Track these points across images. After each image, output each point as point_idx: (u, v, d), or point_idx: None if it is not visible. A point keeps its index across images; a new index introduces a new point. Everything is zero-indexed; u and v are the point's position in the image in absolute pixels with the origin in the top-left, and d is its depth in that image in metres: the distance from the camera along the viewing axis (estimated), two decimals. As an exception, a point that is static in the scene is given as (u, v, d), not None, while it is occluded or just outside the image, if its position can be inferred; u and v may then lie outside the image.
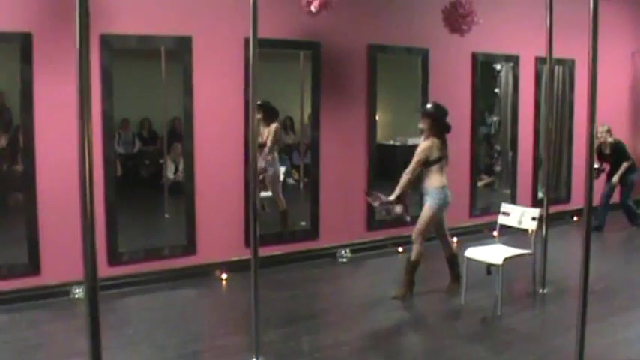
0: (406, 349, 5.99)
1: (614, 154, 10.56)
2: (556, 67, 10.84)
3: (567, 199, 11.67)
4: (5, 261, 6.97)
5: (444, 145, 7.20)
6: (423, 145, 7.16)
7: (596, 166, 10.69)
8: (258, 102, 7.05)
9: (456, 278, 7.39)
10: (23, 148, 7.00)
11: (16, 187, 7.70)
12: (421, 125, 7.26)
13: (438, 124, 7.20)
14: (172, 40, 7.66)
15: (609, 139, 10.53)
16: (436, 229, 7.43)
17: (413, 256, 7.16)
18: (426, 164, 7.11)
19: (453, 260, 7.43)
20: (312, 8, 7.00)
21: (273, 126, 8.87)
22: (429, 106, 7.45)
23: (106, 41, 7.14)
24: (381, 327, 6.44)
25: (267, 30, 6.51)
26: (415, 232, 7.24)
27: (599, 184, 10.56)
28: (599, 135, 10.44)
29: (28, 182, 6.96)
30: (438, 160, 7.13)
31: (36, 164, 6.93)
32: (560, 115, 11.45)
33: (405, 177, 7.17)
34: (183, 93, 7.71)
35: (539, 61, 10.73)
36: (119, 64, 7.36)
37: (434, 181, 7.15)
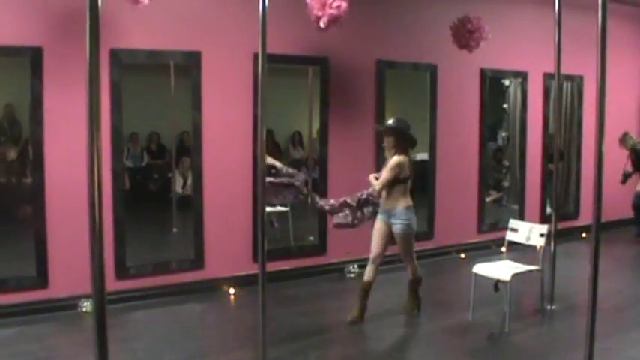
0: (413, 365, 5.97)
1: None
2: (564, 83, 10.84)
3: (576, 215, 11.64)
4: (13, 274, 6.99)
5: (410, 163, 6.86)
6: (394, 161, 6.76)
7: (629, 170, 10.77)
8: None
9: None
10: (32, 161, 7.04)
11: (25, 200, 7.72)
12: (385, 144, 6.93)
13: (403, 139, 6.83)
14: (181, 55, 7.69)
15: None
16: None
17: (411, 274, 7.10)
18: (395, 182, 6.79)
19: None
20: (321, 24, 7.02)
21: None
22: (390, 122, 7.01)
23: (115, 56, 7.18)
24: (389, 343, 6.42)
25: (276, 45, 6.53)
26: (403, 256, 7.09)
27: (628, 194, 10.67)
28: (633, 141, 10.63)
29: (37, 195, 6.99)
30: (407, 179, 6.84)
31: (45, 177, 6.96)
32: (568, 130, 11.45)
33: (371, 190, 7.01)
34: (191, 107, 7.74)
35: (548, 76, 10.73)
36: (128, 79, 7.41)
37: (402, 202, 6.82)
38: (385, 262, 8.78)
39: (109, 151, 7.12)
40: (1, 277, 6.92)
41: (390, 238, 6.94)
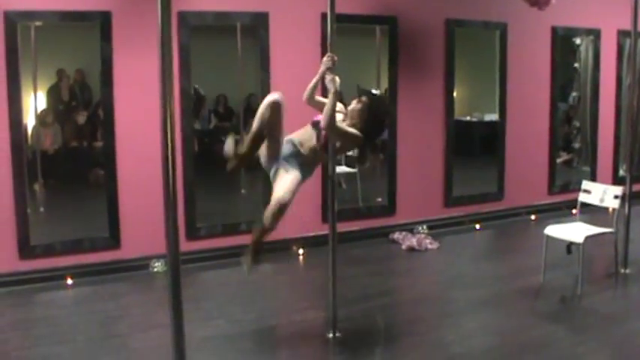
0: (484, 327, 5.89)
1: None
2: (640, 41, 10.54)
3: (650, 177, 11.38)
4: (87, 235, 7.15)
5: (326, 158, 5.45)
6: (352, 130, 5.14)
7: None
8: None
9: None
10: (103, 124, 7.15)
11: (97, 163, 7.85)
12: (353, 106, 5.26)
13: (372, 123, 5.18)
14: (249, 16, 7.68)
15: None
16: None
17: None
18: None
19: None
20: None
21: None
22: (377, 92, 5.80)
23: (183, 18, 7.20)
24: (459, 305, 6.37)
25: (344, 5, 6.46)
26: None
27: None
28: None
29: (108, 158, 7.11)
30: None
31: (115, 140, 7.07)
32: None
33: None
34: (260, 69, 7.74)
35: (622, 34, 10.43)
36: (196, 41, 7.42)
37: None
38: (453, 224, 8.76)
39: (178, 113, 7.17)
40: (75, 238, 7.09)
41: None
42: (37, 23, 6.89)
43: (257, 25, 7.70)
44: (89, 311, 6.11)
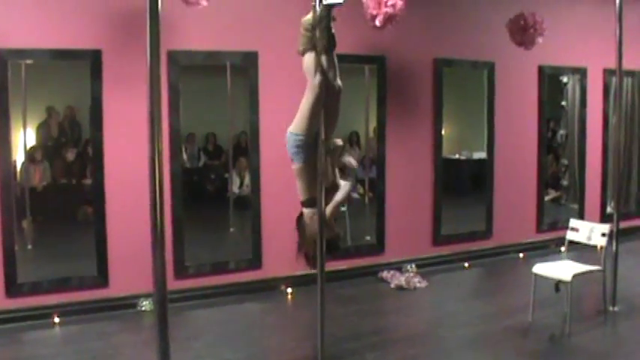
0: (473, 366, 5.90)
1: None
2: (625, 79, 10.64)
3: (637, 214, 11.41)
4: (75, 273, 7.13)
5: None
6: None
7: None
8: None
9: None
10: (92, 161, 7.16)
11: (85, 201, 7.85)
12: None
13: None
14: (238, 56, 7.74)
15: None
16: None
17: None
18: None
19: None
20: (377, 22, 6.99)
21: None
22: None
23: (173, 57, 7.26)
24: (448, 344, 6.35)
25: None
26: None
27: None
28: None
29: (96, 196, 7.12)
30: None
31: (105, 178, 7.08)
32: (629, 128, 11.23)
33: None
34: (249, 107, 7.80)
35: (608, 72, 10.54)
36: (185, 80, 7.47)
37: None
38: (441, 262, 8.80)
39: (167, 151, 7.20)
40: (63, 276, 7.06)
41: None
42: (28, 61, 6.91)
43: (246, 65, 7.76)
44: (76, 350, 6.06)
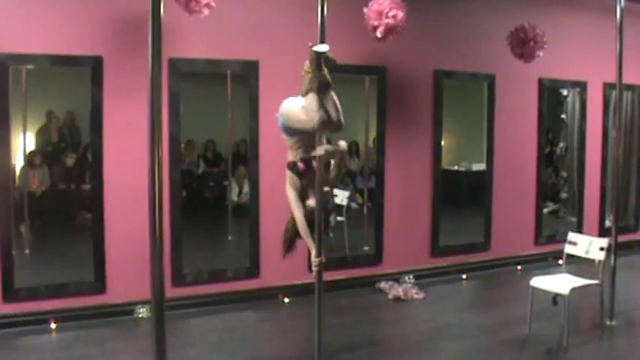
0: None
1: None
2: (625, 93, 10.66)
3: (636, 228, 11.42)
4: (72, 279, 7.12)
5: None
6: None
7: None
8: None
9: None
10: (91, 167, 7.15)
11: (84, 206, 7.84)
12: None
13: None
14: (239, 64, 7.75)
15: None
16: None
17: None
18: None
19: None
20: (378, 33, 7.01)
21: None
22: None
23: (174, 65, 7.27)
24: (445, 356, 6.33)
25: (334, 54, 6.54)
26: None
27: None
28: None
29: (95, 201, 7.11)
30: None
31: (103, 184, 7.07)
32: (629, 141, 11.24)
33: None
34: (249, 116, 7.80)
35: (608, 86, 10.55)
36: (186, 87, 7.48)
37: None
38: (439, 274, 8.78)
39: (166, 158, 7.19)
40: (60, 282, 7.04)
41: None
42: (29, 66, 6.92)
43: (247, 73, 7.76)
44: (72, 356, 6.05)
